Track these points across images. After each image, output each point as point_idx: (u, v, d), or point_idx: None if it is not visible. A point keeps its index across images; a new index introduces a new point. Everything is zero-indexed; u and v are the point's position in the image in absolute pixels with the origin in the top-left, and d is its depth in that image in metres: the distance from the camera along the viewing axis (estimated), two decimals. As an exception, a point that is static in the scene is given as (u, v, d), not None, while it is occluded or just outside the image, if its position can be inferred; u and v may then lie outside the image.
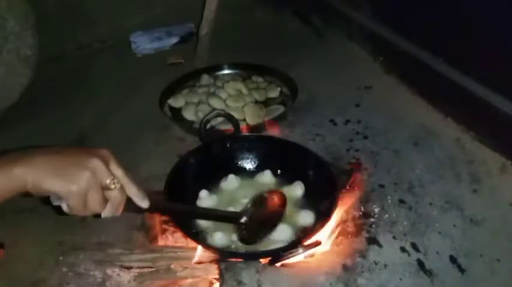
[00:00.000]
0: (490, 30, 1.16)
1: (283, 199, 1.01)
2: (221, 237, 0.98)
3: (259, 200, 1.00)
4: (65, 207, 0.70)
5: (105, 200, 0.71)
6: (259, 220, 0.96)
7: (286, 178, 1.12)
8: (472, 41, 1.21)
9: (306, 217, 1.02)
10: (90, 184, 0.68)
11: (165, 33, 1.97)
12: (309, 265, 0.95)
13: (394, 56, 1.54)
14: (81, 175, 0.67)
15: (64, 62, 1.84)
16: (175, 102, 1.49)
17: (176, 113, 1.46)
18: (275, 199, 1.01)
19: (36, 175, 0.66)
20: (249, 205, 0.99)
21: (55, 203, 0.71)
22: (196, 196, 1.08)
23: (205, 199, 1.08)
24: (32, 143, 1.42)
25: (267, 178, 1.13)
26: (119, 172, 0.72)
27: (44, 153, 0.69)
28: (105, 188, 0.70)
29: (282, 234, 0.98)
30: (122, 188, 0.73)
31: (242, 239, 0.95)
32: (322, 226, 0.95)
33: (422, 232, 1.02)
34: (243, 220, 0.95)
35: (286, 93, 1.52)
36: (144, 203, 0.76)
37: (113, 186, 0.70)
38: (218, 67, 1.65)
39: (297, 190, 1.09)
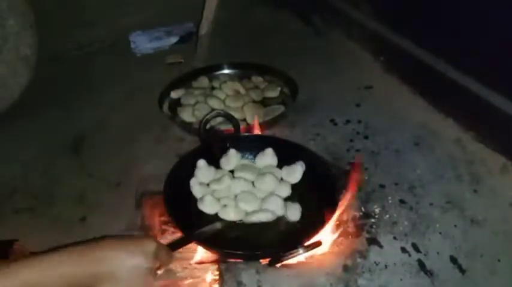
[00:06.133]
0: (490, 30, 1.15)
1: None
2: (210, 201, 1.00)
3: None
4: None
5: None
6: None
7: (286, 161, 1.12)
8: (472, 41, 1.21)
9: (295, 212, 1.02)
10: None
11: (165, 33, 1.97)
12: (310, 265, 0.95)
13: (395, 55, 1.53)
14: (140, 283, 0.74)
15: (64, 62, 1.84)
16: (176, 93, 1.52)
17: (175, 111, 1.46)
18: None
19: (102, 281, 0.71)
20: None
21: None
22: (195, 196, 1.08)
23: (202, 169, 1.08)
24: (32, 142, 1.43)
25: (268, 158, 1.12)
26: (164, 257, 0.79)
27: (106, 258, 0.72)
28: None
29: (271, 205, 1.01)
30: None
31: None
32: (323, 226, 0.95)
33: (422, 232, 1.02)
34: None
35: (286, 93, 1.52)
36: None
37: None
38: (218, 67, 1.65)
39: (297, 170, 1.09)
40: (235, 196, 1.05)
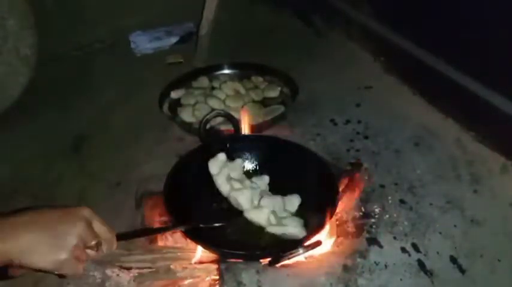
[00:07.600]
0: (490, 30, 1.15)
1: None
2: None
3: None
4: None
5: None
6: None
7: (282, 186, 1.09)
8: (472, 41, 1.21)
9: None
10: (76, 252, 0.72)
11: (165, 33, 1.97)
12: (310, 265, 0.95)
13: (395, 56, 1.53)
14: (67, 246, 0.70)
15: (64, 62, 1.84)
16: (176, 94, 1.52)
17: (175, 111, 1.46)
18: None
19: (22, 252, 0.67)
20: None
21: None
22: (195, 196, 1.07)
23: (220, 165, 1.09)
24: (32, 142, 1.42)
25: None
26: (102, 230, 0.78)
27: (26, 225, 0.69)
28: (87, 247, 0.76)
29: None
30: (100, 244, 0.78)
31: None
32: (322, 227, 0.95)
33: (422, 232, 1.02)
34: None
35: (286, 93, 1.52)
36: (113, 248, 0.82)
37: (95, 247, 0.77)
38: (218, 67, 1.65)
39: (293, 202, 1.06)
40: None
